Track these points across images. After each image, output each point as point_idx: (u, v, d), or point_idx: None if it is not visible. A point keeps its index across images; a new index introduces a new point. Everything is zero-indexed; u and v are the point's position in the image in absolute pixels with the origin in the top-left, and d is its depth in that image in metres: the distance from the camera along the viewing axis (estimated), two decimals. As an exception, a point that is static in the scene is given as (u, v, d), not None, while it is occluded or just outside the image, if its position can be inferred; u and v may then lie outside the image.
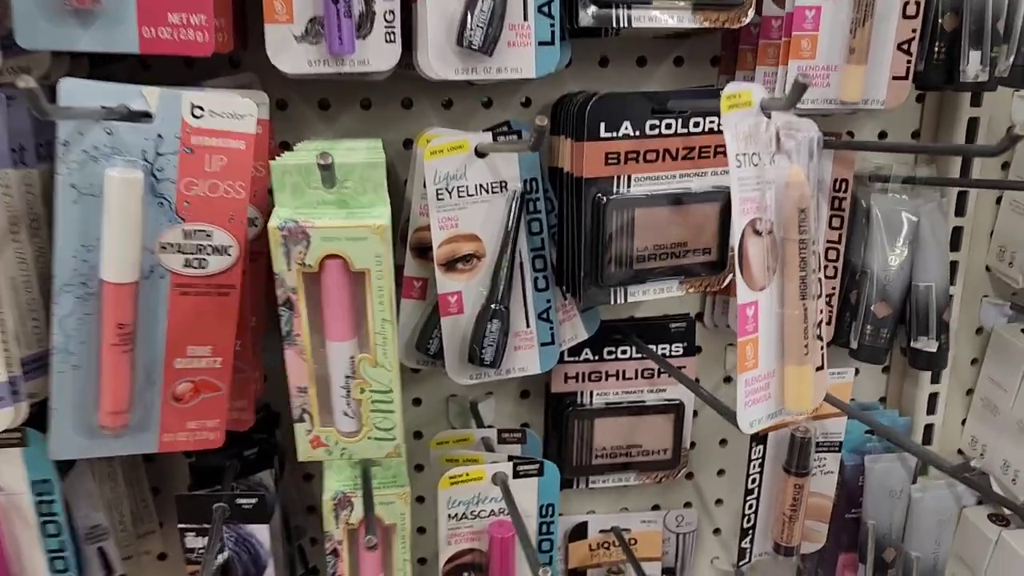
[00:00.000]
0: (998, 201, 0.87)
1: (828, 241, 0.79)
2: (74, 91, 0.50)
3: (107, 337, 0.55)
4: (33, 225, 0.58)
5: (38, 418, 0.58)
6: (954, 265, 0.86)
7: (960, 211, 0.85)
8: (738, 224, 0.51)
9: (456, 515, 0.70)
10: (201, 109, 0.54)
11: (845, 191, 0.78)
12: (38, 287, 0.59)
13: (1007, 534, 0.87)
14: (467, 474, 0.68)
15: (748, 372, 0.52)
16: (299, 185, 0.48)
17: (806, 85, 0.47)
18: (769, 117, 0.51)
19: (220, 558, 0.65)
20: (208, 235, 0.56)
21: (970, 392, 0.94)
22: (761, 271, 0.52)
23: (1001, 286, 0.90)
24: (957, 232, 0.86)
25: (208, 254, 0.56)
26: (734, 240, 0.51)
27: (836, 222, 0.79)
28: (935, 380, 0.91)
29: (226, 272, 0.57)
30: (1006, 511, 0.90)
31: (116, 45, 0.54)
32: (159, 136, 0.54)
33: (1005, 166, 0.86)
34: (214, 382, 0.59)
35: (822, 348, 0.56)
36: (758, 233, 0.52)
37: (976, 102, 0.81)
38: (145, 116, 0.53)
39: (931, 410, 0.92)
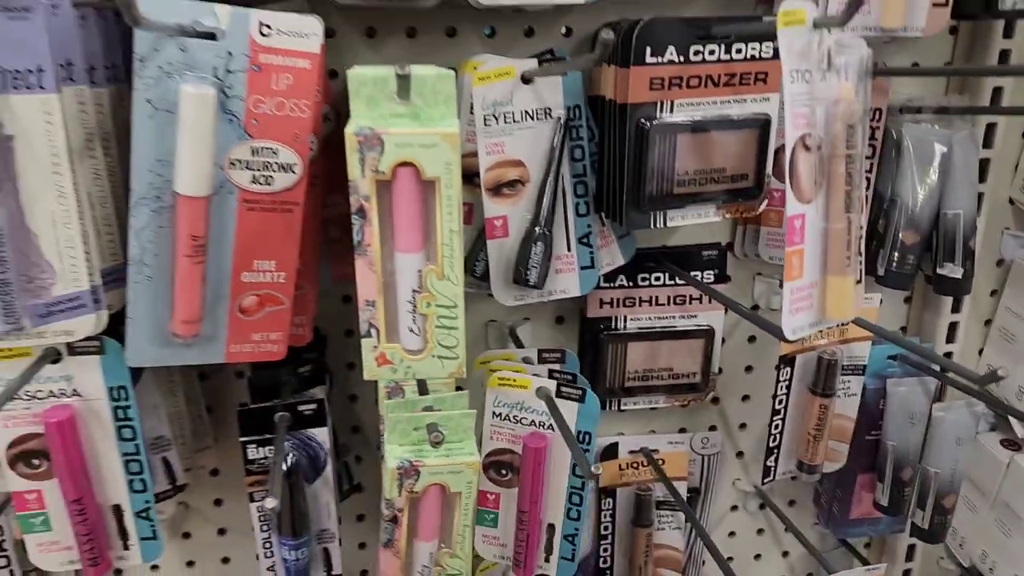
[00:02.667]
0: (1024, 135, 0.89)
1: (859, 169, 0.82)
2: (151, 5, 0.51)
3: (181, 248, 0.57)
4: (105, 143, 0.60)
5: (111, 328, 0.61)
6: (979, 197, 0.88)
7: (987, 143, 0.87)
8: (790, 138, 0.53)
9: (500, 415, 0.73)
10: (269, 27, 0.55)
11: (878, 120, 0.80)
12: (112, 203, 0.61)
13: (1019, 458, 0.91)
14: (514, 380, 0.71)
15: (794, 282, 0.55)
16: (374, 96, 0.50)
17: (860, 2, 0.48)
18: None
19: (289, 460, 0.69)
20: (274, 152, 0.58)
21: (988, 323, 0.98)
22: (809, 184, 0.54)
23: (1023, 219, 0.92)
24: (983, 164, 0.88)
25: (274, 171, 0.59)
26: (786, 152, 0.53)
27: (868, 151, 0.81)
28: (955, 310, 0.94)
29: (291, 189, 0.59)
30: (1019, 436, 0.94)
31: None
32: (229, 54, 0.55)
33: (1035, 99, 0.88)
34: (278, 296, 0.62)
35: (861, 262, 0.59)
36: (807, 148, 0.54)
37: (1008, 33, 0.83)
38: (211, 36, 0.55)
39: (950, 339, 0.95)
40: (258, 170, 0.58)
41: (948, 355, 0.96)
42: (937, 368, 0.87)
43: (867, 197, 0.82)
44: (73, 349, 0.63)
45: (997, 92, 0.85)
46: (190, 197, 0.56)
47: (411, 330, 0.55)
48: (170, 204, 0.57)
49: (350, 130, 0.49)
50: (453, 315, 0.55)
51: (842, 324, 0.67)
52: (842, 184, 0.55)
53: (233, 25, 0.55)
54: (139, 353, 0.60)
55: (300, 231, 0.61)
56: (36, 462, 0.65)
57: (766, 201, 0.75)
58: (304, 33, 0.56)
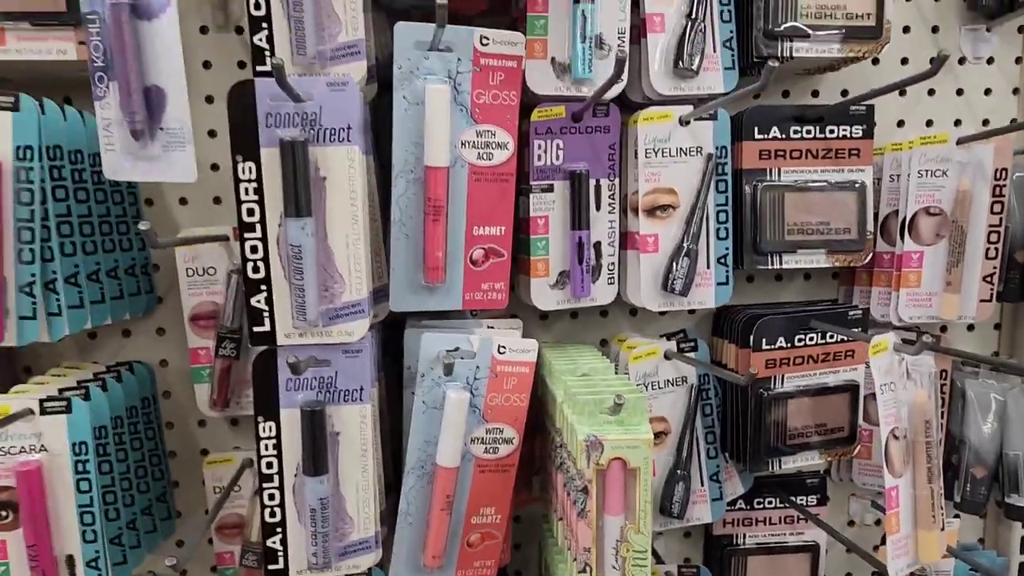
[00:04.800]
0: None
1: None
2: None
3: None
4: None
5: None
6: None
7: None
8: (884, 431, 0.74)
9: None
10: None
11: (945, 378, 1.01)
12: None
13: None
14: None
15: (894, 535, 0.75)
16: (592, 411, 0.73)
17: (925, 344, 0.70)
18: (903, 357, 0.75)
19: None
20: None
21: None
22: (900, 464, 0.75)
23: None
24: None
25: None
26: (881, 444, 0.74)
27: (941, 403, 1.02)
28: (1025, 526, 1.10)
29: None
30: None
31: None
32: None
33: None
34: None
35: (943, 516, 0.78)
36: (896, 438, 0.75)
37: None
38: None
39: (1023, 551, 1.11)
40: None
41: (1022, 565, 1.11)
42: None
43: (940, 439, 1.02)
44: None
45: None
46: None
47: (614, 567, 0.76)
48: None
49: (580, 437, 0.71)
50: (644, 558, 0.75)
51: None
52: (924, 462, 0.75)
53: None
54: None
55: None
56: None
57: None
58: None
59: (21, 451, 0.74)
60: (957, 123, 1.05)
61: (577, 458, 0.73)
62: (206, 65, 0.90)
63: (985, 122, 1.05)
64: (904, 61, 1.03)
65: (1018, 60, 1.05)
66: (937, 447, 0.76)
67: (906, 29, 1.02)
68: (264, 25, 0.72)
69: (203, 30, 0.90)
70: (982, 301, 0.93)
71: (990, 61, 1.04)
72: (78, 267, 0.76)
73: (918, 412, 0.75)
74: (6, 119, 0.68)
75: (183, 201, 0.93)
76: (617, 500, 0.73)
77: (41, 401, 0.74)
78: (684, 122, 0.87)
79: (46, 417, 0.74)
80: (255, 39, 0.72)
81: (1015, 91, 1.05)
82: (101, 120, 0.66)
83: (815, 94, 1.03)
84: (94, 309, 0.79)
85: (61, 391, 0.78)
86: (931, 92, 1.04)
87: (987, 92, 1.04)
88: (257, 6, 0.72)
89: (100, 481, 0.77)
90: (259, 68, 0.73)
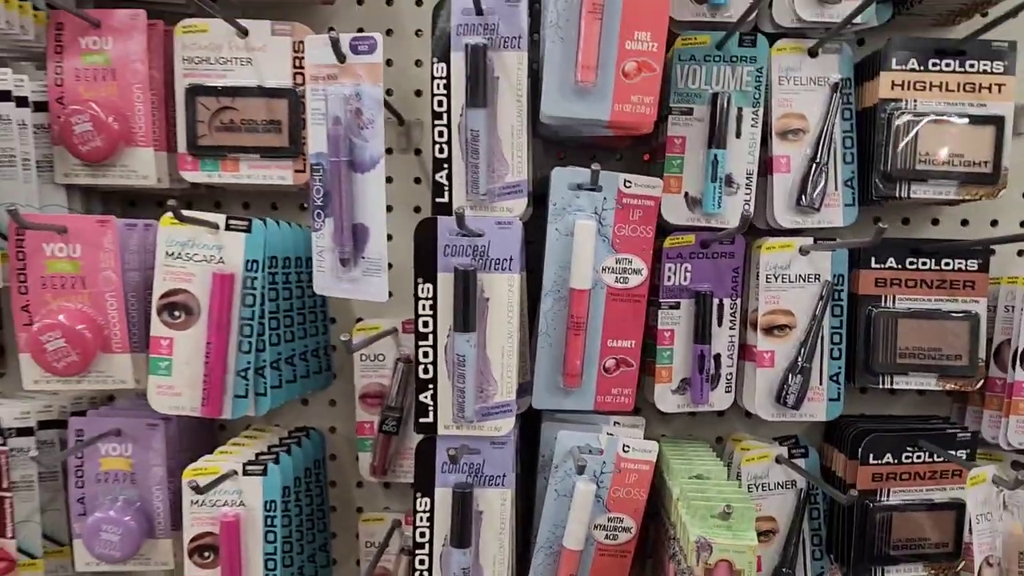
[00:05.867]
0: None
1: None
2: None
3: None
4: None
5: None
6: None
7: None
8: (978, 559, 0.80)
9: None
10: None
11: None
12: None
13: None
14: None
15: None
16: (704, 514, 0.83)
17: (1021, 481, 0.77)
18: (1001, 489, 0.81)
19: None
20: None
21: None
22: None
23: None
24: None
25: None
26: (975, 571, 0.80)
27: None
28: None
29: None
30: None
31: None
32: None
33: None
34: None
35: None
36: (991, 565, 0.81)
37: None
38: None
39: None
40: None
41: None
42: None
43: None
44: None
45: None
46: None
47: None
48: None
49: (692, 538, 0.81)
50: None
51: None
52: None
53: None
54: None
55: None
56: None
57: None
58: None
59: (225, 504, 0.91)
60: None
61: (688, 554, 0.83)
62: (388, 180, 1.07)
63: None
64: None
65: None
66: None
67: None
68: (445, 166, 0.87)
69: (388, 151, 1.07)
70: (1091, 435, 0.97)
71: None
72: (280, 354, 0.93)
73: (1013, 543, 0.81)
74: (240, 239, 0.86)
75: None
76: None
77: (244, 464, 0.90)
78: (804, 251, 0.97)
79: (247, 477, 0.90)
80: (437, 177, 0.87)
81: None
82: (316, 247, 0.83)
83: (935, 222, 1.10)
84: (288, 387, 0.96)
85: (258, 455, 0.94)
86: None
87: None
88: (441, 150, 0.87)
89: (282, 533, 0.92)
90: (438, 200, 0.88)
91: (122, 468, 0.96)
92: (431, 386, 0.86)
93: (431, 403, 0.86)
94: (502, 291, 0.85)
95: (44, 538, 0.99)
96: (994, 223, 1.09)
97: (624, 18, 0.83)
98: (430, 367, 0.85)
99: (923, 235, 1.10)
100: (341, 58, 0.81)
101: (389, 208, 1.07)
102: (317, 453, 1.08)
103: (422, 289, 0.84)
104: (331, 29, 0.80)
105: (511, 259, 0.84)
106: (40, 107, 0.93)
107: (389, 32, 1.06)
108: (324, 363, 1.07)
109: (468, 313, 0.83)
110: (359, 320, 1.06)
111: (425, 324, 0.84)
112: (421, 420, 0.86)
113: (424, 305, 0.84)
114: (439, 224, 0.83)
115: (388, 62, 1.06)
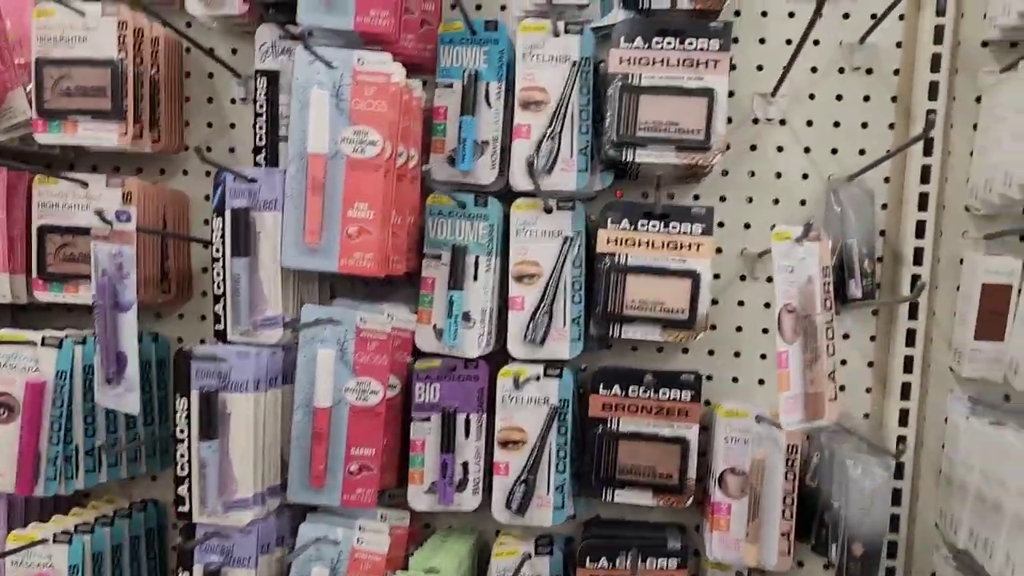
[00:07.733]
0: None
1: None
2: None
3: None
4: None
5: None
6: None
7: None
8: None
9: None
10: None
11: None
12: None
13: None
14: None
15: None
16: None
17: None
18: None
19: None
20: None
21: None
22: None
23: None
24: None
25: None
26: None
27: None
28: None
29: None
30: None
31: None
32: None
33: None
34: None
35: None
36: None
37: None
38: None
39: None
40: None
41: None
42: None
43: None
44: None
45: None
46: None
47: None
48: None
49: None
50: None
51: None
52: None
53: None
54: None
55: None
56: None
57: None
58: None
59: (38, 566, 1.12)
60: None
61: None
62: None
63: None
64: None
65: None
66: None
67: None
68: (220, 300, 1.08)
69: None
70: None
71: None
72: (95, 444, 1.15)
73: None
74: (52, 353, 1.09)
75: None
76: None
77: (54, 533, 1.12)
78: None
79: (55, 544, 1.11)
80: (216, 309, 1.08)
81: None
82: (95, 366, 1.04)
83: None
84: (111, 470, 1.17)
85: (76, 527, 1.15)
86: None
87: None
88: (218, 287, 1.08)
89: (88, 592, 1.12)
90: (216, 328, 1.08)
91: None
92: (188, 480, 1.06)
93: (187, 495, 1.06)
94: (245, 408, 1.05)
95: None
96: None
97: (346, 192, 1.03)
98: (186, 465, 1.05)
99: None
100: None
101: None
102: (151, 523, 1.29)
103: (180, 403, 1.05)
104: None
105: (257, 382, 1.05)
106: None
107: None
108: (160, 448, 1.28)
109: (213, 421, 1.03)
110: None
111: (182, 431, 1.05)
112: (179, 508, 1.06)
113: (181, 416, 1.05)
114: (193, 365, 1.05)
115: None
